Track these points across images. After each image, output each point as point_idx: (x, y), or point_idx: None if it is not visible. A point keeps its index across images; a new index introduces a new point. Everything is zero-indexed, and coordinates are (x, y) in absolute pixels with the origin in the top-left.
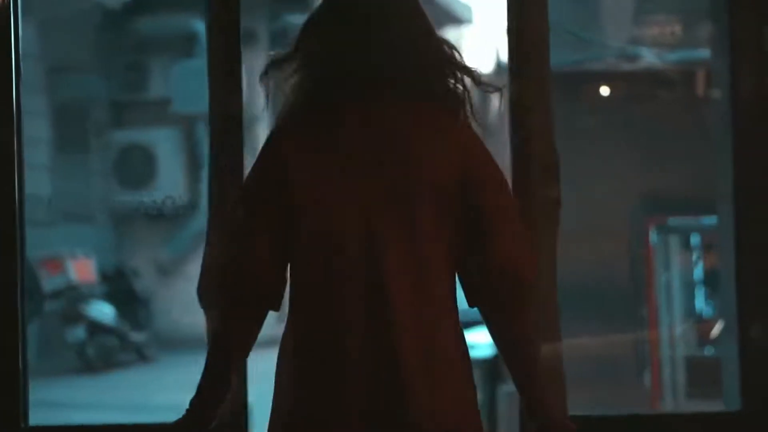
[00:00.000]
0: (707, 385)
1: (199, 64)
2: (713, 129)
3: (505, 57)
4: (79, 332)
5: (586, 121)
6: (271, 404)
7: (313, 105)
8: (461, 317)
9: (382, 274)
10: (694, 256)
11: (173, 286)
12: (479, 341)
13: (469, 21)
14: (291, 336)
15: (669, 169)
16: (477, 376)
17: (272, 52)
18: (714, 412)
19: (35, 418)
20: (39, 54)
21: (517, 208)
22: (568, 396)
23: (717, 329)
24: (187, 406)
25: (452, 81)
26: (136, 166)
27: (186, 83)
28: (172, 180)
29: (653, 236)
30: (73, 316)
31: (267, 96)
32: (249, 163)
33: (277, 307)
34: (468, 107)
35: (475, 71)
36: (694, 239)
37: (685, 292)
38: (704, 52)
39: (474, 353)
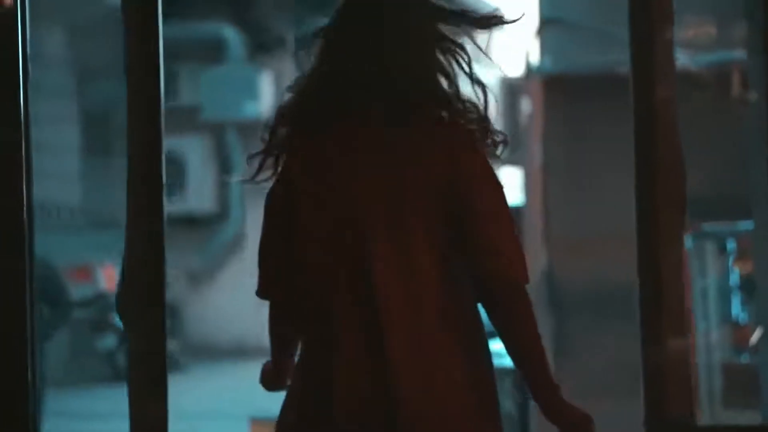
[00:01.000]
0: (744, 393)
1: (228, 71)
2: (749, 132)
3: (534, 59)
4: (109, 341)
5: (620, 124)
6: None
7: (315, 122)
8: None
9: (374, 283)
10: (730, 262)
11: (204, 295)
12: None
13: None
14: (300, 348)
15: (704, 173)
16: (508, 386)
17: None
18: (750, 426)
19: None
20: (68, 60)
21: (507, 212)
22: (602, 406)
23: (756, 336)
24: (217, 414)
25: (449, 98)
26: (166, 174)
27: (215, 90)
28: (202, 188)
29: (688, 242)
30: (103, 324)
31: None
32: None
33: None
34: (468, 120)
35: (484, 86)
36: (730, 245)
37: (721, 299)
38: (740, 53)
39: (503, 362)
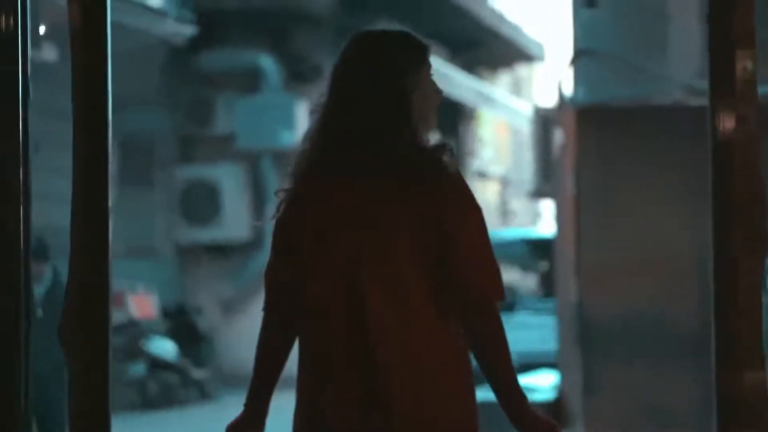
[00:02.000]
0: None
1: (264, 100)
2: None
3: (567, 90)
4: (139, 368)
5: (653, 156)
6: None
7: (317, 172)
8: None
9: (363, 298)
10: None
11: (236, 323)
12: (539, 384)
13: (540, 58)
14: (299, 356)
15: None
16: None
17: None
18: None
19: None
20: None
21: (484, 239)
22: None
23: None
24: None
25: (428, 153)
26: (201, 202)
27: (251, 119)
28: (236, 216)
29: None
30: (134, 351)
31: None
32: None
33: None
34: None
35: (444, 147)
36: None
37: None
38: None
39: (535, 396)
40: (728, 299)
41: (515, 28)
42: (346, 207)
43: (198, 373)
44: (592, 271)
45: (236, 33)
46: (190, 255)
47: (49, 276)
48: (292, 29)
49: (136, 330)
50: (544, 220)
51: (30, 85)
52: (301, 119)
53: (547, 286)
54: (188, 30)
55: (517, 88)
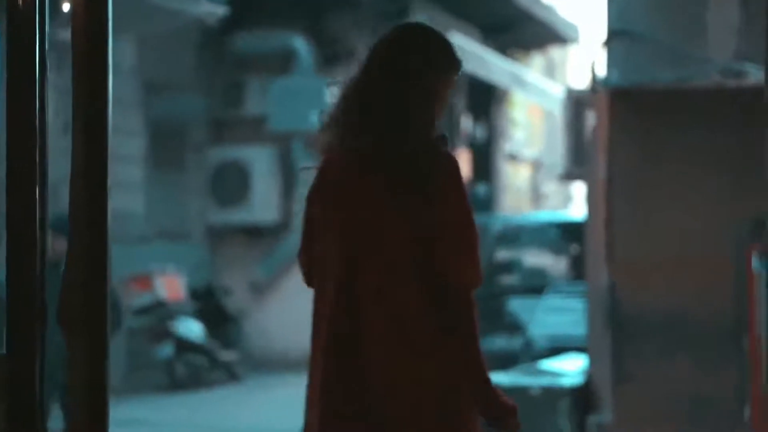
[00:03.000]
0: None
1: (297, 82)
2: None
3: (600, 72)
4: (167, 350)
5: (688, 141)
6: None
7: (332, 171)
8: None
9: (356, 293)
10: None
11: (265, 306)
12: (568, 368)
13: (574, 40)
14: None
15: None
16: (566, 404)
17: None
18: None
19: None
20: (136, 71)
21: (467, 235)
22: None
23: None
24: (270, 428)
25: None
26: (231, 184)
27: (283, 101)
28: (267, 198)
29: (755, 263)
30: (162, 333)
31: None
32: None
33: None
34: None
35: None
36: None
37: None
38: None
39: (563, 381)
40: None
41: (549, 9)
42: (349, 195)
43: (226, 355)
44: (623, 257)
45: (269, 14)
46: (220, 237)
47: None
48: (326, 11)
49: (164, 311)
50: (575, 204)
51: (48, 64)
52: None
53: (578, 269)
54: (221, 10)
55: (550, 71)
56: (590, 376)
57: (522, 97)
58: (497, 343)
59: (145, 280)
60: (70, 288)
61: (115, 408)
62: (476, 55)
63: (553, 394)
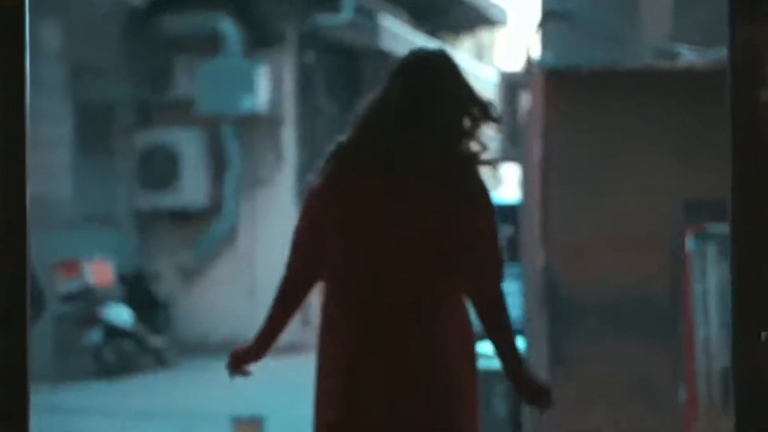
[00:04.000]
0: None
1: (225, 64)
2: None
3: (535, 53)
4: (95, 336)
5: (624, 122)
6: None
7: (356, 164)
8: None
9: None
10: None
11: (195, 291)
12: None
13: (502, 23)
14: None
15: (712, 173)
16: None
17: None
18: None
19: (48, 423)
20: (62, 55)
21: (491, 241)
22: (597, 415)
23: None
24: (202, 413)
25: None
26: (160, 168)
27: (211, 84)
28: (195, 182)
29: (690, 244)
30: (90, 319)
31: None
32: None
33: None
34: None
35: (491, 160)
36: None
37: (723, 303)
38: None
39: (498, 364)
40: (749, 267)
41: None
42: (379, 201)
43: (155, 341)
44: (558, 238)
45: None
46: (148, 222)
47: None
48: None
49: (93, 297)
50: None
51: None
52: (262, 85)
53: (512, 252)
54: None
55: (479, 54)
56: (528, 358)
57: None
58: None
59: (72, 266)
60: None
61: (43, 395)
62: (406, 39)
63: (489, 376)
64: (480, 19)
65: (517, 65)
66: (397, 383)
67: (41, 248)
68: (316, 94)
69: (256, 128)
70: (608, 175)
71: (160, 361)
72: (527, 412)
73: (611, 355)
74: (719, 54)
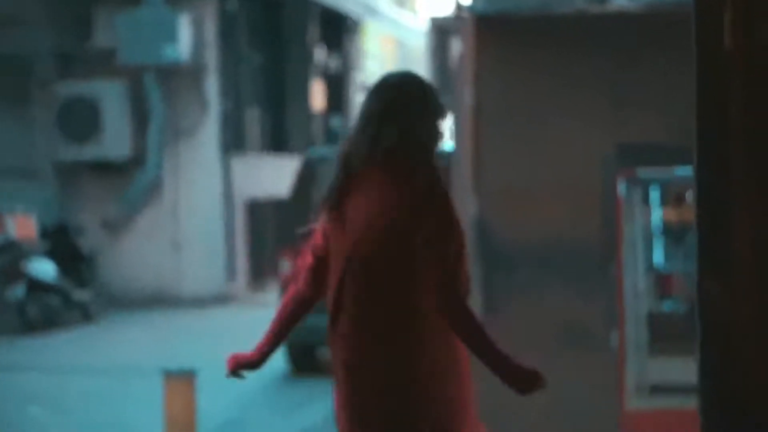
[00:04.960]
0: (669, 341)
1: (146, 14)
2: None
3: (465, 1)
4: (19, 291)
5: (555, 68)
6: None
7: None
8: None
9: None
10: (653, 209)
11: (119, 244)
12: None
13: None
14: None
15: (644, 117)
16: None
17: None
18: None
19: None
20: None
21: (457, 245)
22: (538, 363)
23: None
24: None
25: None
26: (81, 119)
27: (132, 34)
28: (118, 133)
29: (622, 188)
30: (13, 274)
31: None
32: None
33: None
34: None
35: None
36: (653, 191)
37: (646, 248)
38: None
39: None
40: (716, 213)
41: None
42: (363, 208)
43: (80, 295)
44: (491, 186)
45: None
46: (70, 174)
47: None
48: None
49: (16, 251)
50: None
51: None
52: (184, 34)
53: None
54: None
55: (401, 1)
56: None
57: (375, 28)
58: None
59: None
60: None
61: None
62: None
63: None
64: None
65: (446, 10)
66: (387, 392)
67: None
68: (238, 43)
69: (179, 78)
70: (540, 120)
71: (85, 315)
72: None
73: (544, 302)
74: None
